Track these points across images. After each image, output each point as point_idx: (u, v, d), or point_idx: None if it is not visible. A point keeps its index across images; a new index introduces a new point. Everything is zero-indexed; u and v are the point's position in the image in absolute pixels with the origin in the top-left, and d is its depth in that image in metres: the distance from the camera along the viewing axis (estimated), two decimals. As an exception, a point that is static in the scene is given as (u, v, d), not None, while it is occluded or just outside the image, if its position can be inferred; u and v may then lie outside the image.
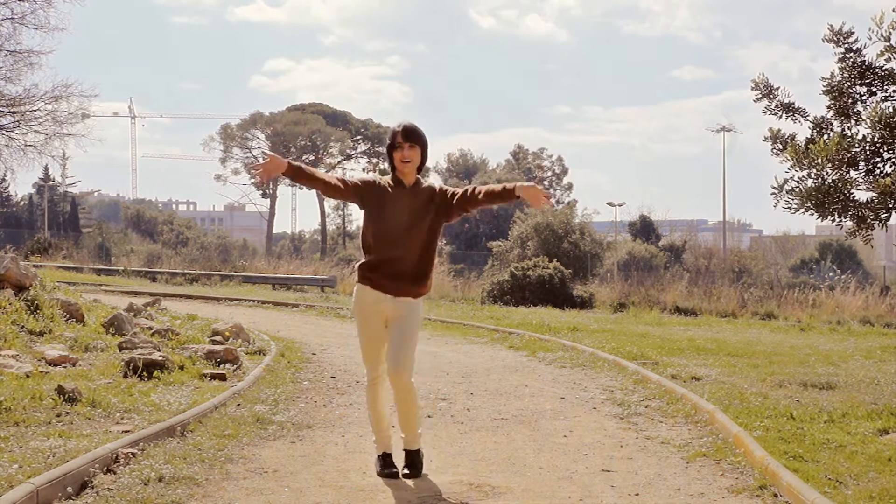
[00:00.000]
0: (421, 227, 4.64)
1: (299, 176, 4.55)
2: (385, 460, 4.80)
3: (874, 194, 6.80)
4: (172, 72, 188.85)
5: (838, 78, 7.01)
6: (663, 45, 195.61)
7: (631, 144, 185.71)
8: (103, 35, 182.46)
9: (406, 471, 4.75)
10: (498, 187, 4.65)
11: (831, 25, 6.96)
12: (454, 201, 4.68)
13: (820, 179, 6.96)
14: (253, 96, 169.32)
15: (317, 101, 69.06)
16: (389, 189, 4.68)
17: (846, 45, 6.95)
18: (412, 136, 4.64)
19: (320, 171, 4.74)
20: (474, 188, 4.71)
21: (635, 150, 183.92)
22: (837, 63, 7.01)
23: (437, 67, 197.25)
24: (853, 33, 6.95)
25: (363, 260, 4.74)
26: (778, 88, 7.30)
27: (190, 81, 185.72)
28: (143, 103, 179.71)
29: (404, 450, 4.83)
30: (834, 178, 6.92)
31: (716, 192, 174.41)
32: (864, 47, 6.93)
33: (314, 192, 65.56)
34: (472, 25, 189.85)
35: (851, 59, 6.94)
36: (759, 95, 7.36)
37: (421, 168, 4.73)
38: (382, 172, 65.16)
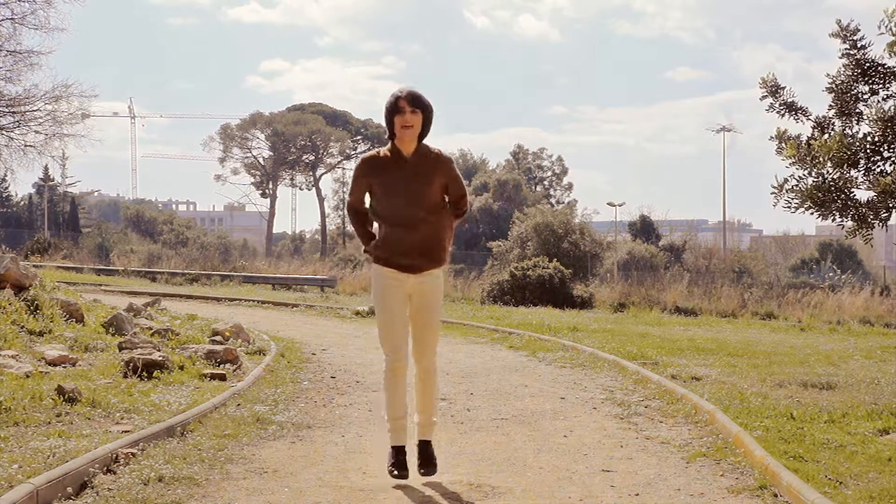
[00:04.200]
0: (427, 196, 4.53)
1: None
2: (399, 456, 4.61)
3: (874, 193, 6.80)
4: (170, 72, 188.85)
5: (842, 77, 7.03)
6: (658, 46, 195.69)
7: (627, 145, 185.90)
8: (102, 35, 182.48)
9: (422, 469, 4.61)
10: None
11: (839, 21, 7.00)
12: (449, 194, 4.67)
13: (820, 178, 6.97)
14: (249, 97, 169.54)
15: (314, 101, 69.08)
16: (389, 161, 4.56)
17: (851, 42, 6.97)
18: (416, 102, 4.50)
19: (368, 227, 4.74)
20: (459, 202, 4.69)
21: (632, 151, 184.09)
22: (841, 58, 7.03)
23: (433, 67, 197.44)
24: (860, 30, 6.98)
25: (377, 240, 4.64)
26: (784, 88, 7.36)
27: (186, 82, 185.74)
28: (141, 103, 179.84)
29: (419, 441, 4.68)
30: (834, 176, 6.93)
31: (715, 192, 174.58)
32: (869, 45, 6.95)
33: (314, 192, 66.06)
34: (466, 25, 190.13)
35: (856, 56, 6.96)
36: (765, 93, 7.39)
37: (423, 136, 4.58)
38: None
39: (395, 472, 4.57)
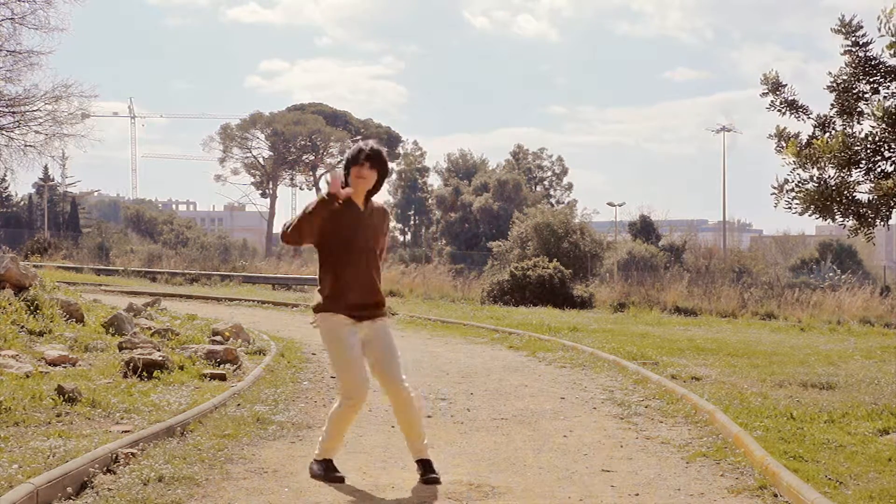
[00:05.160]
0: (375, 244, 4.66)
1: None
2: (330, 464, 4.71)
3: (875, 196, 6.80)
4: (170, 72, 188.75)
5: (844, 75, 7.03)
6: (657, 47, 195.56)
7: (627, 145, 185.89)
8: (102, 35, 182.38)
9: (427, 476, 4.62)
10: None
11: (842, 16, 6.98)
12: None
13: (822, 181, 6.95)
14: (249, 97, 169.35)
15: (314, 101, 69.12)
16: (343, 206, 4.53)
17: (853, 39, 6.96)
18: (375, 161, 4.61)
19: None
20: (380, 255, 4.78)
21: (631, 151, 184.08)
22: (843, 55, 7.02)
23: (432, 67, 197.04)
24: (862, 27, 6.98)
25: (324, 287, 4.62)
26: (785, 85, 7.33)
27: (186, 82, 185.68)
28: (141, 103, 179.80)
29: (420, 459, 4.70)
30: (836, 181, 6.92)
31: (715, 192, 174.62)
32: (871, 42, 6.95)
33: (314, 192, 66.10)
34: (465, 25, 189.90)
35: (857, 53, 6.96)
36: (767, 90, 7.37)
37: (373, 193, 4.68)
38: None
39: (332, 477, 4.64)
